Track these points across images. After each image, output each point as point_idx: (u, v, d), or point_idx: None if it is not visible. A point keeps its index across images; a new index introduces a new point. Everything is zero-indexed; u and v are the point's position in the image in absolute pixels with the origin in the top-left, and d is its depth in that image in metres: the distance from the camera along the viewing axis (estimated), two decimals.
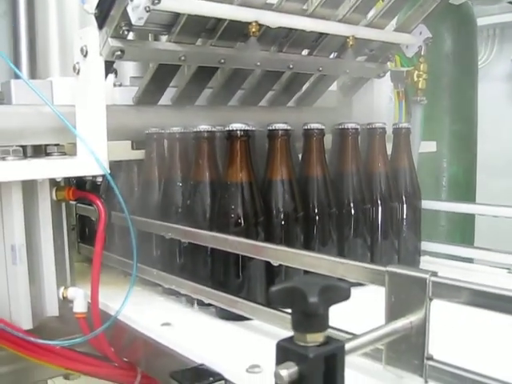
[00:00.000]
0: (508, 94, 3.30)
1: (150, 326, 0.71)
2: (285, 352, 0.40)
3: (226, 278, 0.72)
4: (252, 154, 0.75)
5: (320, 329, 0.39)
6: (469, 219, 1.97)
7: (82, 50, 0.74)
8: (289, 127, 0.77)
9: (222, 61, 0.83)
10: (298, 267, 0.60)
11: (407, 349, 0.49)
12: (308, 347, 0.39)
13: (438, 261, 1.01)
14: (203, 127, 0.78)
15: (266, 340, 0.62)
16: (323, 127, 0.81)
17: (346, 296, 0.40)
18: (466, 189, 1.95)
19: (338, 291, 0.39)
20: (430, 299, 0.48)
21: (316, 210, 0.80)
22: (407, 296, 0.49)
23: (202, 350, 0.63)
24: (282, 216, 0.74)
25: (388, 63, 1.05)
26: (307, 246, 0.79)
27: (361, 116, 1.09)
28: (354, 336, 0.46)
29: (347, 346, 0.42)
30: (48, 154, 0.81)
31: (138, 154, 0.88)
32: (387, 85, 1.11)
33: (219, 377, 0.58)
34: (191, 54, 0.80)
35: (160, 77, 0.87)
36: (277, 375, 0.38)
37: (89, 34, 0.74)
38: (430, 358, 0.49)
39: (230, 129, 0.73)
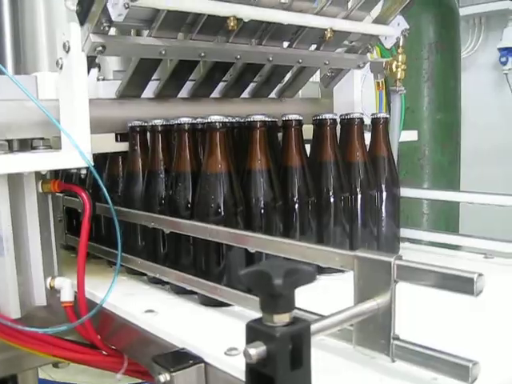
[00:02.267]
0: (494, 81, 3.33)
1: (134, 313, 0.73)
2: (253, 332, 0.42)
3: (207, 266, 0.74)
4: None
5: (286, 310, 0.41)
6: (453, 207, 2.01)
7: (64, 45, 0.76)
8: (267, 118, 0.79)
9: (203, 54, 0.85)
10: (272, 253, 0.62)
11: (375, 329, 0.52)
12: (275, 327, 0.41)
13: (417, 247, 1.04)
14: (184, 119, 0.80)
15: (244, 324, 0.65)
16: (301, 118, 0.84)
17: (310, 279, 0.42)
18: (449, 177, 1.98)
19: (302, 274, 0.42)
20: (395, 282, 0.50)
21: (295, 200, 0.82)
22: (374, 279, 0.51)
23: (184, 335, 0.65)
24: (261, 205, 0.77)
25: (368, 54, 1.07)
26: (287, 234, 0.82)
27: (342, 107, 1.12)
28: (322, 317, 0.48)
29: (313, 326, 0.44)
30: (34, 148, 0.83)
31: (122, 147, 0.90)
32: (369, 76, 1.13)
33: (199, 360, 0.60)
34: (172, 49, 0.82)
35: (142, 71, 0.89)
36: (246, 354, 0.41)
37: (71, 30, 0.75)
38: (397, 338, 0.52)
39: (209, 121, 0.75)
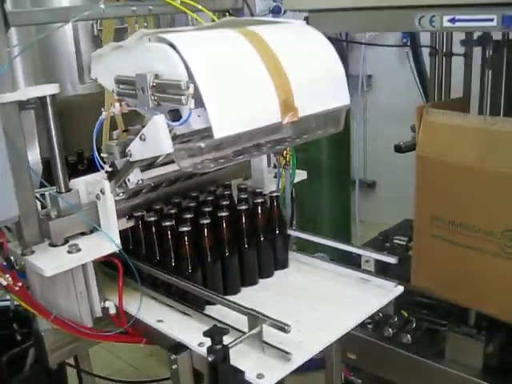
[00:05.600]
0: (398, 56, 4.06)
1: (152, 322, 1.49)
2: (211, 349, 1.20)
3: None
4: None
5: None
6: None
7: (101, 190, 1.46)
8: None
9: None
10: None
11: None
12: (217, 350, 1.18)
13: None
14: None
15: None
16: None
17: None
18: (342, 176, 2.73)
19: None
20: None
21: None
22: None
23: (179, 334, 1.42)
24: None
25: None
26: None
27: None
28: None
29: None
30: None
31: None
32: None
33: (187, 348, 1.38)
34: None
35: None
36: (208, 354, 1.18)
37: (105, 184, 1.46)
38: None
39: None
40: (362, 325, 2.41)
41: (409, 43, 3.01)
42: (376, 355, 2.33)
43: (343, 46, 2.54)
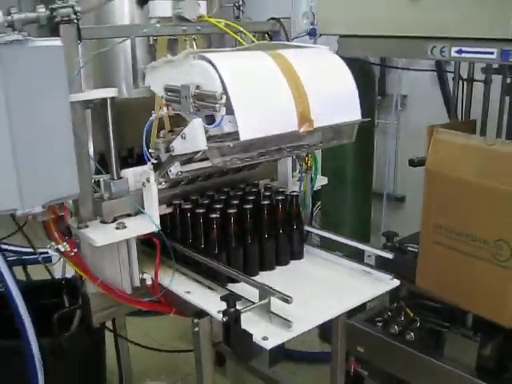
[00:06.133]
0: (431, 79, 4.28)
1: (180, 292, 1.77)
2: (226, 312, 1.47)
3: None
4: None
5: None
6: None
7: (147, 179, 1.75)
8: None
9: None
10: None
11: None
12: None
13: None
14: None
15: None
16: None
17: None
18: (364, 188, 2.96)
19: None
20: None
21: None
22: None
23: (202, 302, 1.70)
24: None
25: None
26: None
27: None
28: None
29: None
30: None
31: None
32: None
33: (208, 314, 1.65)
34: None
35: None
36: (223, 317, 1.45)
37: (151, 174, 1.75)
38: None
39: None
40: (372, 321, 2.66)
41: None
42: (382, 350, 2.56)
43: (371, 68, 2.79)
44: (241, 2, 3.25)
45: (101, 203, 1.77)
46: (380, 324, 2.61)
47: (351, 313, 2.58)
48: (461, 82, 2.85)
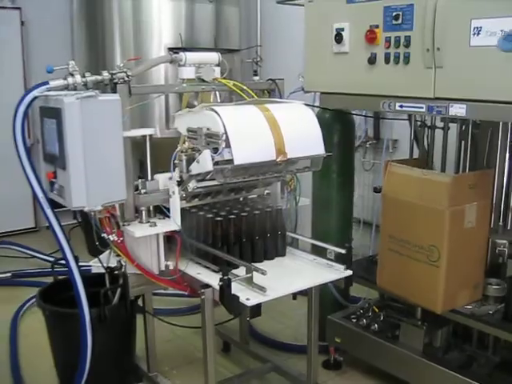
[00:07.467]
0: None
1: (194, 275, 2.48)
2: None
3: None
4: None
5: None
6: None
7: (173, 192, 2.50)
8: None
9: None
10: None
11: None
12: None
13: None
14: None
15: None
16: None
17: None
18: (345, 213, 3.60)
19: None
20: None
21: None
22: None
23: (208, 279, 2.41)
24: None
25: None
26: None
27: None
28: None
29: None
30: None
31: None
32: None
33: (211, 286, 2.36)
34: None
35: None
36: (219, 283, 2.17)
37: (175, 189, 2.49)
38: None
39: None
40: (348, 318, 3.32)
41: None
42: (353, 339, 3.21)
43: (351, 118, 3.48)
44: (259, 59, 3.98)
45: (139, 196, 2.51)
46: (354, 320, 3.28)
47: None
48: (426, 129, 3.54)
